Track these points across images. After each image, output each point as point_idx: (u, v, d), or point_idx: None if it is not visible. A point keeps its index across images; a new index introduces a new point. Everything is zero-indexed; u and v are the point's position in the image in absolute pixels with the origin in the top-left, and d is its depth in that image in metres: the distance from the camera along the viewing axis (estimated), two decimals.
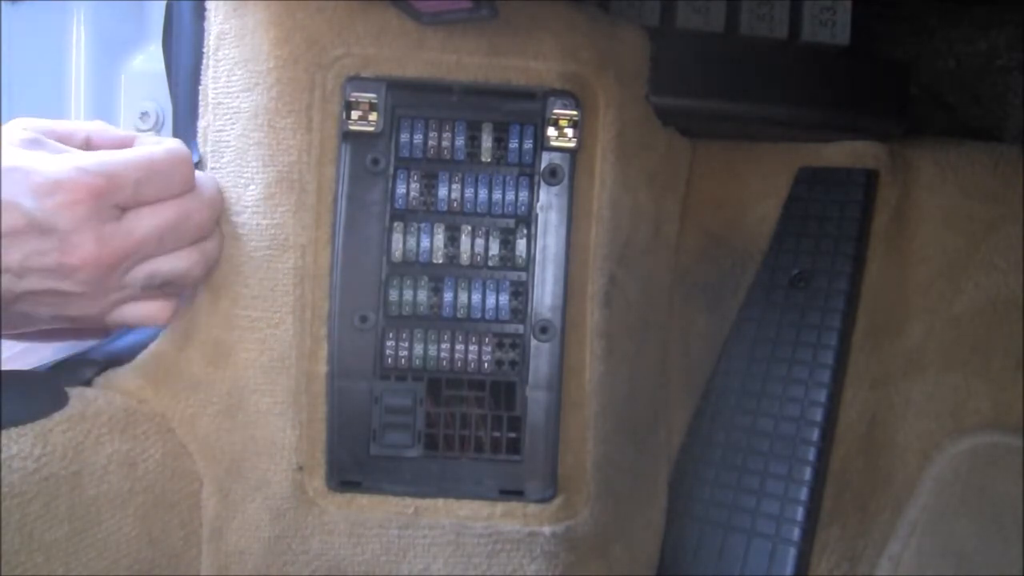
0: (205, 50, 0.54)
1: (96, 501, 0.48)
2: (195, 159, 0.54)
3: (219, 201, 0.52)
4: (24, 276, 0.45)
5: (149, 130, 0.71)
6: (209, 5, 0.54)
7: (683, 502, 0.61)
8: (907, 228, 0.63)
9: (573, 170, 0.55)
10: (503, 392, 0.55)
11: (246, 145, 0.53)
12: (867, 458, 0.61)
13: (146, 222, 0.47)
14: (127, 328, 0.54)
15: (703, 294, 0.64)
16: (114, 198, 0.46)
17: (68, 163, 0.45)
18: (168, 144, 0.49)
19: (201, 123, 0.54)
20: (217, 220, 0.52)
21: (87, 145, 0.50)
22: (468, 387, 0.55)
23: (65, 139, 0.48)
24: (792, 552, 0.58)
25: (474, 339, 0.55)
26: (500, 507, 0.54)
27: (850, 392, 0.61)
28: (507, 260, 0.55)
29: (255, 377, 0.53)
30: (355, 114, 0.53)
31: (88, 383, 0.53)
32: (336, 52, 0.52)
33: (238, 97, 0.53)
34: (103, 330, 0.54)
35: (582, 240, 0.55)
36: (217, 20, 0.54)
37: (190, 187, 0.50)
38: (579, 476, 0.55)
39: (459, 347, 0.54)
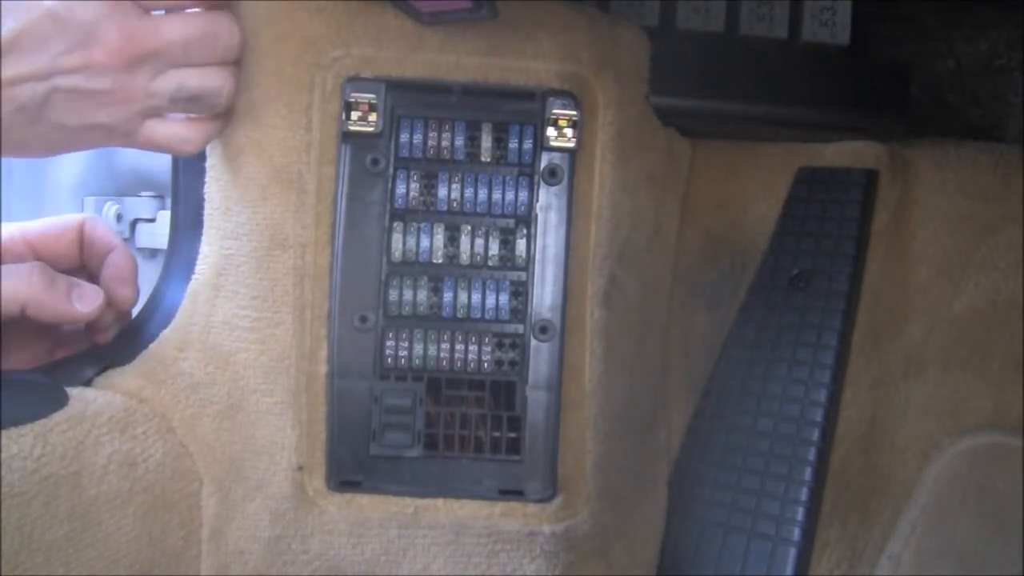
0: None
1: (96, 501, 0.48)
2: (206, 162, 0.54)
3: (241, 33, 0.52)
4: (51, 77, 0.45)
5: None
6: None
7: (683, 502, 0.61)
8: (907, 228, 0.63)
9: (573, 170, 0.55)
10: (503, 392, 0.55)
11: (246, 145, 0.53)
12: (867, 458, 0.61)
13: (173, 26, 0.47)
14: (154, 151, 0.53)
15: (703, 294, 0.64)
16: None
17: None
18: None
19: None
20: (241, 49, 0.52)
21: None
22: (468, 387, 0.55)
23: None
24: (792, 552, 0.58)
25: (474, 339, 0.55)
26: (500, 507, 0.54)
27: (850, 392, 0.61)
28: (507, 260, 0.55)
29: (255, 377, 0.53)
30: (355, 114, 0.53)
31: (88, 383, 0.53)
32: (335, 52, 0.52)
33: (238, 97, 0.53)
34: (136, 143, 0.52)
35: (582, 240, 0.55)
36: None
37: (219, 5, 0.50)
38: (579, 476, 0.55)
39: (459, 347, 0.55)
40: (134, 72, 0.47)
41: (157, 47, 0.47)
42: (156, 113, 0.49)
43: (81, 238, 0.55)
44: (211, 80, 0.50)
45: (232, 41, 0.50)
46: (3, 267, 0.49)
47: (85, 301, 0.51)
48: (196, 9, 0.49)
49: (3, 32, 0.44)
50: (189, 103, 0.50)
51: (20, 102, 0.45)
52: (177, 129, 0.50)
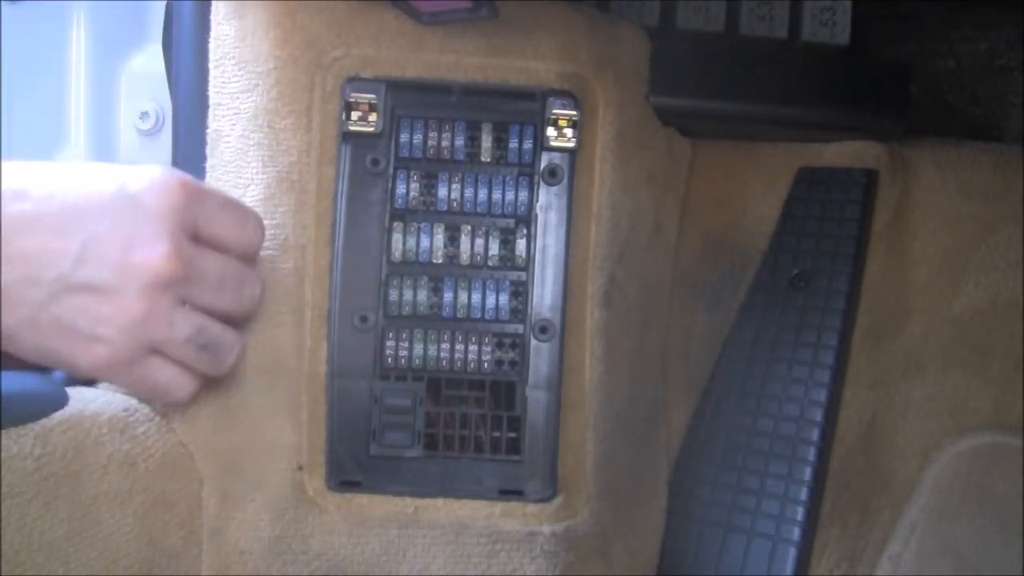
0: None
1: (96, 501, 0.48)
2: (205, 162, 0.54)
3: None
4: (84, 263, 0.41)
5: (149, 130, 0.71)
6: (209, 6, 0.54)
7: (683, 502, 0.61)
8: (907, 228, 0.63)
9: (573, 170, 0.55)
10: (503, 392, 0.55)
11: (246, 146, 0.53)
12: (867, 458, 0.61)
13: (215, 260, 0.45)
14: (139, 393, 0.50)
15: (703, 294, 0.64)
16: (197, 210, 0.44)
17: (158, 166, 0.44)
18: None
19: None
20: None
21: None
22: (468, 387, 0.55)
23: None
24: (792, 552, 0.58)
25: (474, 339, 0.55)
26: (500, 507, 0.54)
27: (850, 392, 0.61)
28: (507, 260, 0.55)
29: (255, 377, 0.53)
30: (355, 115, 0.53)
31: (88, 383, 0.53)
32: (335, 53, 0.52)
33: (238, 98, 0.53)
34: (125, 377, 0.47)
35: (582, 240, 0.55)
36: (217, 21, 0.54)
37: (255, 248, 0.48)
38: (579, 476, 0.55)
39: (459, 347, 0.55)
40: (162, 292, 0.43)
41: (195, 274, 0.44)
42: (161, 349, 0.45)
43: None
44: (228, 336, 0.47)
45: (255, 296, 0.49)
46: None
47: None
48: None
49: (33, 199, 0.40)
50: (199, 351, 0.46)
51: (40, 273, 0.41)
52: (174, 375, 0.46)
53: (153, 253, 0.42)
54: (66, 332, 0.42)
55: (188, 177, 0.44)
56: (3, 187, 0.41)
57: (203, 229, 0.45)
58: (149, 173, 0.43)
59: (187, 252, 0.43)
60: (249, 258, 0.48)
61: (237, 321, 0.49)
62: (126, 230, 0.42)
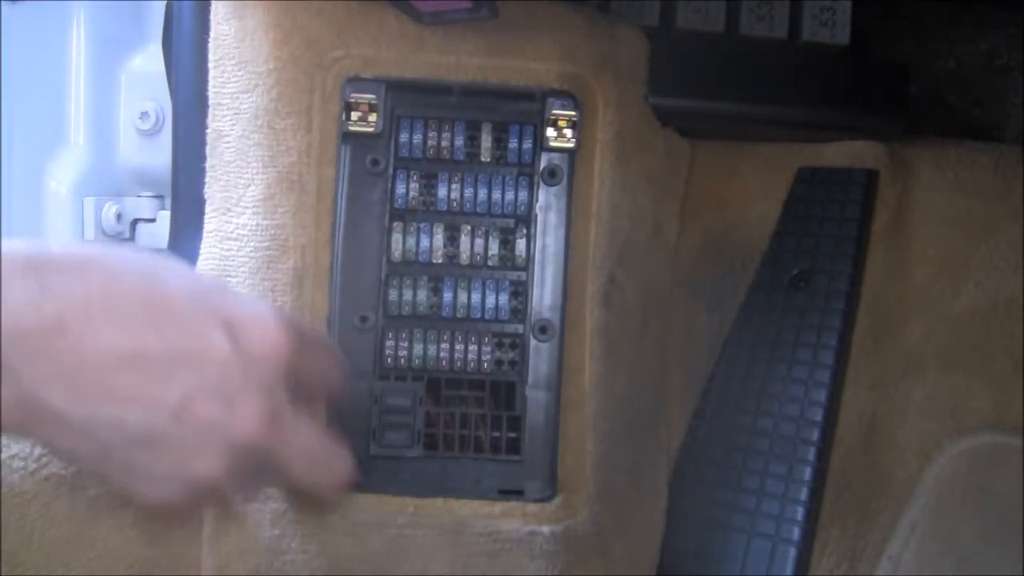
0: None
1: (96, 501, 0.48)
2: (205, 162, 0.54)
3: None
4: (180, 417, 0.37)
5: (149, 130, 0.71)
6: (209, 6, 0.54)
7: (683, 502, 0.61)
8: (907, 228, 0.63)
9: (572, 170, 0.55)
10: (503, 392, 0.55)
11: (246, 146, 0.53)
12: (867, 458, 0.61)
13: (311, 431, 0.41)
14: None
15: (703, 294, 0.64)
16: (297, 358, 0.39)
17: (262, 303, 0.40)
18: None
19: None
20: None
21: None
22: (468, 387, 0.55)
23: None
24: (792, 552, 0.58)
25: (474, 339, 0.55)
26: (500, 507, 0.54)
27: (850, 392, 0.61)
28: (507, 260, 0.55)
29: None
30: (355, 115, 0.53)
31: None
32: (335, 53, 0.52)
33: (238, 98, 0.53)
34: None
35: (581, 240, 0.55)
36: (217, 21, 0.54)
37: (338, 388, 0.46)
38: (579, 476, 0.55)
39: (459, 347, 0.55)
40: (246, 453, 0.39)
41: (284, 440, 0.39)
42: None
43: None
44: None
45: (341, 473, 0.43)
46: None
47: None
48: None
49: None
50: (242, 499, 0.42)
51: (130, 418, 0.36)
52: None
53: (251, 415, 0.38)
54: (133, 472, 0.38)
55: (291, 320, 0.40)
56: (108, 315, 0.36)
57: (299, 375, 0.41)
58: (261, 320, 0.39)
59: (282, 415, 0.39)
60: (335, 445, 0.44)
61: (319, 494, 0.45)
62: (229, 387, 0.38)
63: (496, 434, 0.55)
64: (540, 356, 0.55)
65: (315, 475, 0.42)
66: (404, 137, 0.54)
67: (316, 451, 0.42)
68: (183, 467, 0.38)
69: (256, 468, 0.40)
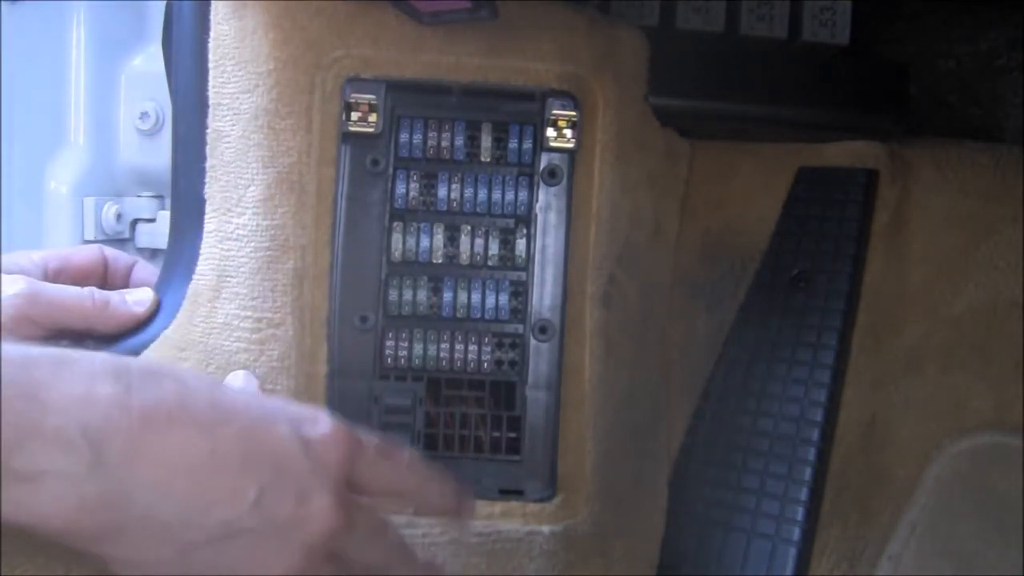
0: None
1: None
2: (206, 162, 0.54)
3: None
4: (257, 509, 0.37)
5: (149, 130, 0.71)
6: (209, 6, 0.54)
7: (683, 502, 0.61)
8: (907, 228, 0.63)
9: (572, 171, 0.55)
10: (503, 392, 0.55)
11: (246, 146, 0.53)
12: (867, 458, 0.61)
13: (370, 513, 0.42)
14: None
15: (703, 294, 0.64)
16: (357, 462, 0.41)
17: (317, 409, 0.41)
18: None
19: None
20: None
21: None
22: (468, 387, 0.55)
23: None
24: (792, 552, 0.58)
25: (474, 339, 0.55)
26: (499, 507, 0.54)
27: (850, 392, 0.61)
28: (506, 260, 0.55)
29: None
30: (355, 115, 0.53)
31: None
32: (335, 53, 0.52)
33: (238, 98, 0.53)
34: None
35: (581, 240, 0.55)
36: (217, 21, 0.54)
37: (411, 489, 0.45)
38: (579, 476, 0.55)
39: (459, 347, 0.55)
40: (322, 544, 0.39)
41: (352, 525, 0.40)
42: None
43: (105, 261, 0.57)
44: None
45: (401, 552, 0.44)
46: (61, 292, 0.49)
47: (140, 302, 0.52)
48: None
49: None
50: None
51: (206, 515, 0.37)
52: None
53: (323, 505, 0.39)
54: (213, 571, 0.38)
55: (350, 428, 0.42)
56: (183, 414, 0.37)
57: (358, 478, 0.42)
58: (322, 422, 0.41)
59: (348, 503, 0.41)
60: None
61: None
62: (301, 480, 0.39)
63: (496, 434, 0.55)
64: (540, 356, 0.55)
65: (381, 550, 0.43)
66: (404, 137, 0.54)
67: (378, 528, 0.43)
68: (264, 565, 0.38)
69: (331, 560, 0.40)
